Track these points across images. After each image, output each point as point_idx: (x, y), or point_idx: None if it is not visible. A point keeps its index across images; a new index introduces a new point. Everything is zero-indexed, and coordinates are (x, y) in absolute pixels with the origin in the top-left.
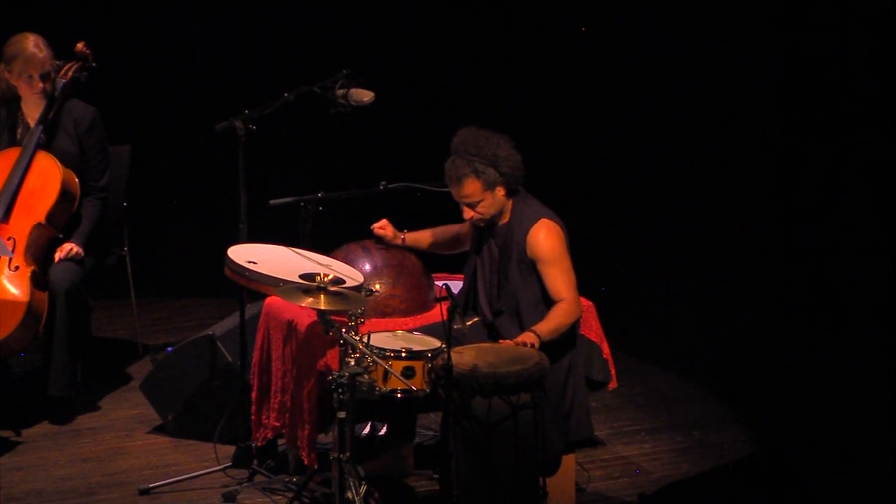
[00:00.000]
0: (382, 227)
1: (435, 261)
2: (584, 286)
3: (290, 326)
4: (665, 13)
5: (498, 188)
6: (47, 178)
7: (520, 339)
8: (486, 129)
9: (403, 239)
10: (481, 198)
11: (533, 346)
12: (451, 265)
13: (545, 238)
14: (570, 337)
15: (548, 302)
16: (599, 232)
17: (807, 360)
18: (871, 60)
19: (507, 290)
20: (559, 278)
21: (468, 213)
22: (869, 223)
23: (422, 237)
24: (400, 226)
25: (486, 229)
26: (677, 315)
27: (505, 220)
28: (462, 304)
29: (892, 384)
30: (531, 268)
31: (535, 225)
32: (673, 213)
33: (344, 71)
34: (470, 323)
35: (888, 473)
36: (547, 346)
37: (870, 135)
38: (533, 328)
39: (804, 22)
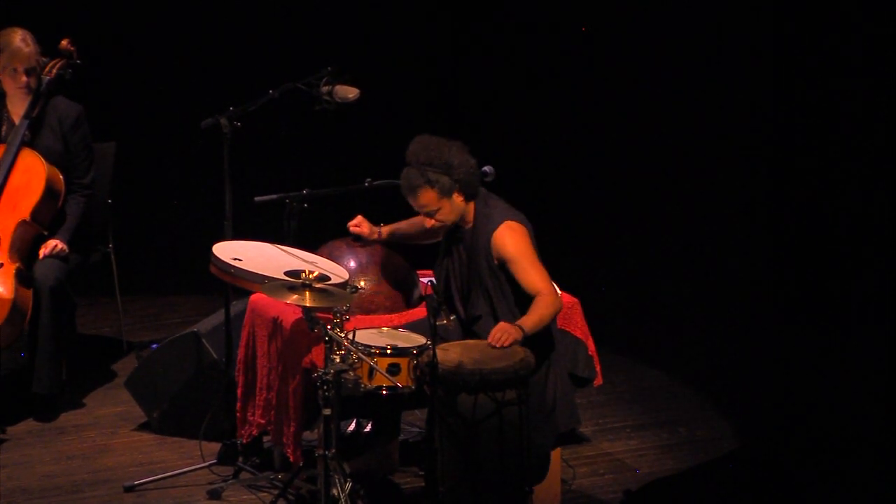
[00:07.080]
0: (358, 224)
1: (420, 258)
2: (570, 283)
3: (276, 323)
4: (652, 9)
5: (455, 195)
6: (32, 174)
7: (504, 335)
8: (438, 137)
9: (380, 233)
10: (438, 206)
11: (516, 340)
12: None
13: (509, 239)
14: (546, 333)
15: (522, 302)
16: (585, 229)
17: (792, 356)
18: (870, 57)
19: (481, 294)
20: (531, 273)
21: (429, 222)
22: (850, 219)
23: (398, 229)
24: (384, 223)
25: (452, 234)
26: (663, 311)
27: (469, 224)
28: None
29: (876, 379)
30: (501, 270)
31: (499, 228)
32: (658, 210)
33: (329, 68)
34: (454, 317)
35: (874, 469)
36: (523, 344)
37: (866, 134)
38: (517, 322)
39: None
